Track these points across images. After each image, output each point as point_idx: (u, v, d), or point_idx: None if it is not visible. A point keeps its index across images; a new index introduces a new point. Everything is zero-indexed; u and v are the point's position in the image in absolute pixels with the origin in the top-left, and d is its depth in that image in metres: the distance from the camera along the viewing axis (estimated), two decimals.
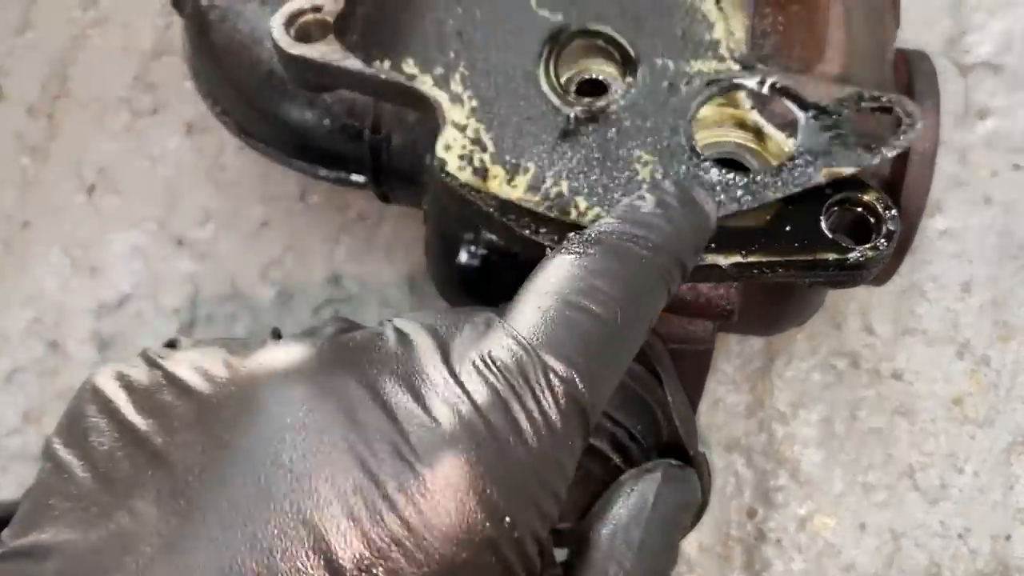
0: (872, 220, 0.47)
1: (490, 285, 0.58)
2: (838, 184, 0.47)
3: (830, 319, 0.79)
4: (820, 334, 0.79)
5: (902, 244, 0.65)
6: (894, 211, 0.47)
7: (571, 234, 0.42)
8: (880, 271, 0.49)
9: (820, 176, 0.47)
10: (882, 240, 0.47)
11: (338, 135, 0.66)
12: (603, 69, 0.51)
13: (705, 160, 0.47)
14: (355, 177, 0.69)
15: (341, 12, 0.48)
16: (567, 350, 0.37)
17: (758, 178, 0.47)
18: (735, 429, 0.79)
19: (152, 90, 0.93)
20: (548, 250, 0.43)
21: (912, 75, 0.64)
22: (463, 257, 0.57)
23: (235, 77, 0.68)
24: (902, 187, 0.63)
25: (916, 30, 0.85)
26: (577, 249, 0.41)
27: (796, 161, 0.47)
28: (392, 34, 0.49)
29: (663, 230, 0.42)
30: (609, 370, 0.39)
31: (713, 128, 0.50)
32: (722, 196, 0.46)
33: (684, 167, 0.47)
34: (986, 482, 0.76)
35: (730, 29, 0.51)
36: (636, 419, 0.56)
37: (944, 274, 0.80)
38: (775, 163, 0.49)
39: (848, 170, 0.47)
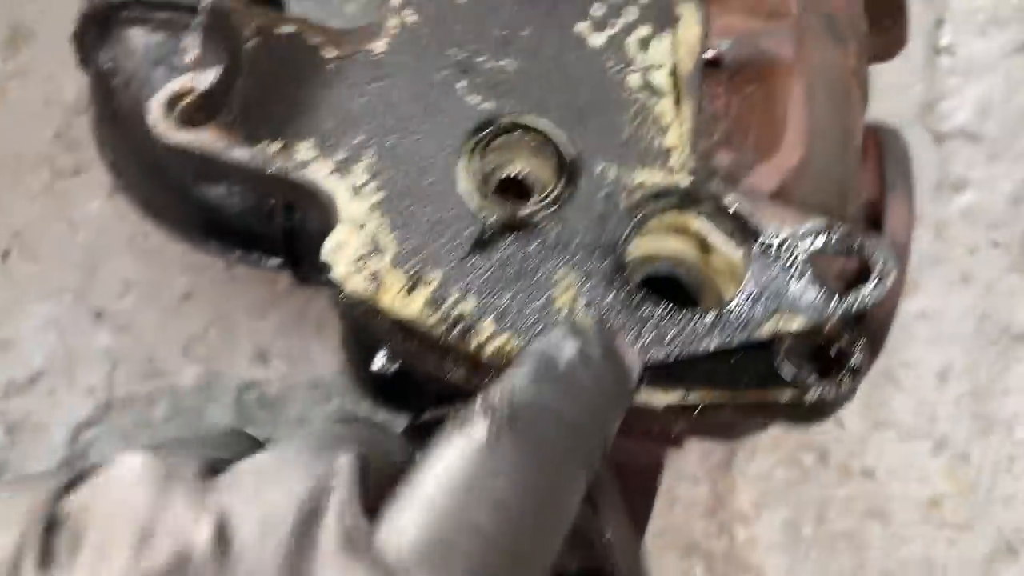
0: (835, 353, 0.41)
1: (410, 393, 0.52)
2: None
3: None
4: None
5: (874, 344, 0.59)
6: (862, 342, 0.41)
7: (478, 402, 0.34)
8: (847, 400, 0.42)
9: (763, 331, 0.41)
10: (846, 378, 0.40)
11: (249, 216, 0.60)
12: (533, 168, 0.45)
13: (639, 292, 0.41)
14: (271, 260, 0.62)
15: (211, 87, 0.41)
16: None
17: (692, 324, 0.40)
18: (693, 530, 0.72)
19: (74, 148, 0.86)
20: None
21: (883, 156, 0.59)
22: (378, 364, 0.51)
23: (138, 149, 0.62)
24: None
25: (888, 95, 0.79)
26: (481, 434, 0.33)
27: (740, 303, 0.41)
28: (285, 112, 0.42)
29: (585, 396, 0.35)
30: None
31: (648, 235, 0.43)
32: (648, 338, 0.40)
33: (611, 297, 0.41)
34: None
35: (685, 136, 0.44)
36: (572, 555, 0.49)
37: (919, 361, 0.74)
38: (719, 284, 0.43)
39: (798, 325, 0.41)
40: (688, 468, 0.73)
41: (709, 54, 0.50)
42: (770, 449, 0.73)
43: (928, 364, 0.74)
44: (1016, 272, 0.75)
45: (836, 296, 0.40)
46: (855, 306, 0.40)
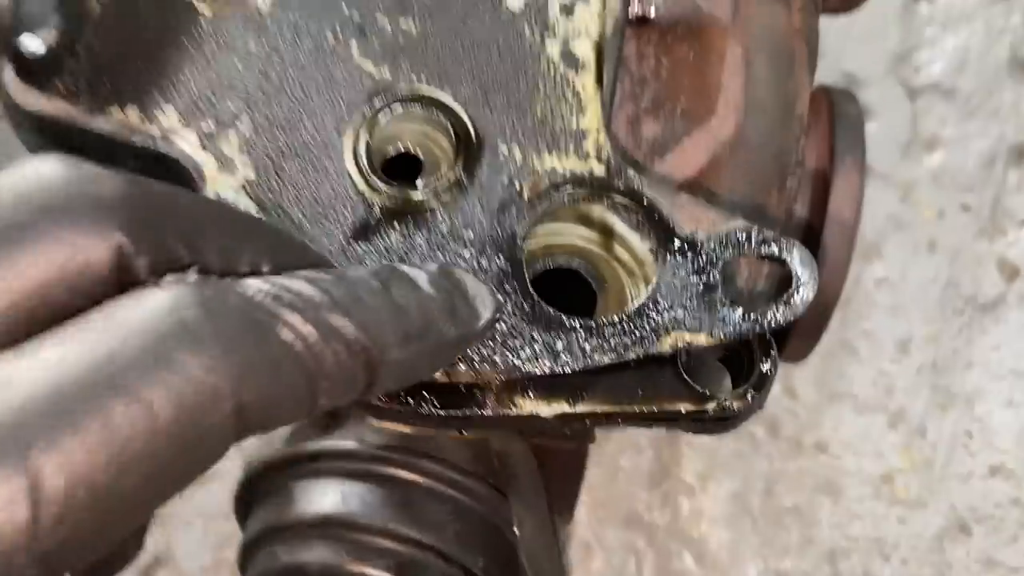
0: (744, 357, 0.38)
1: None
2: None
3: None
4: None
5: (816, 327, 0.55)
6: (773, 351, 0.37)
7: (193, 278, 0.27)
8: (759, 409, 0.38)
9: (663, 346, 0.37)
10: (751, 391, 0.37)
11: None
12: (430, 146, 0.40)
13: (534, 297, 0.36)
14: None
15: (53, 45, 0.37)
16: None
17: (587, 335, 0.36)
18: (636, 501, 0.70)
19: None
20: None
21: (834, 122, 0.54)
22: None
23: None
24: (816, 257, 0.53)
25: (860, 44, 0.75)
26: (170, 301, 0.26)
27: (641, 310, 0.37)
28: (146, 74, 0.38)
29: (365, 321, 0.27)
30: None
31: (547, 222, 0.39)
32: (539, 349, 0.36)
33: (503, 300, 0.37)
34: (914, 572, 0.67)
35: (603, 117, 0.39)
36: (479, 552, 0.46)
37: (879, 330, 0.71)
38: (622, 280, 0.39)
39: (702, 341, 0.37)
40: (632, 436, 0.70)
41: (638, 9, 0.46)
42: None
43: (888, 334, 0.70)
44: (985, 239, 0.71)
45: (747, 313, 0.36)
46: (768, 324, 0.36)
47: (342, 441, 0.48)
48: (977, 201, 0.72)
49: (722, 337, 0.36)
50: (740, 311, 0.36)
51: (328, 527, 0.46)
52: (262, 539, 0.49)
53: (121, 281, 0.28)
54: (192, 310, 0.26)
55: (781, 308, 0.36)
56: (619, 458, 0.70)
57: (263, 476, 0.51)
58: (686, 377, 0.37)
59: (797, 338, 0.56)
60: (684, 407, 0.37)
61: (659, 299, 0.36)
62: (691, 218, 0.38)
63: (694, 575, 0.68)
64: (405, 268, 0.31)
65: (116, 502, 0.24)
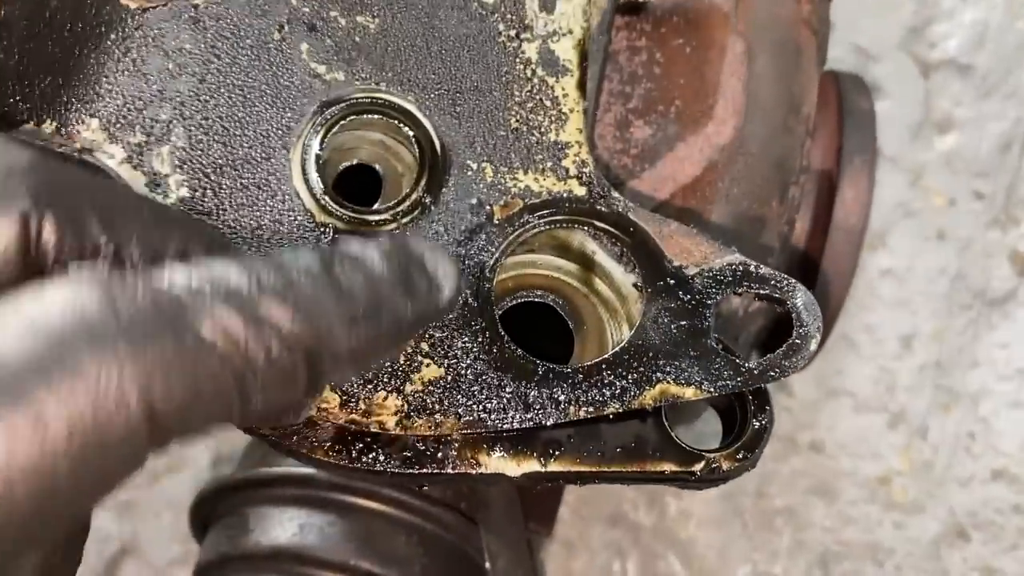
0: (736, 408, 0.34)
1: None
2: None
3: None
4: None
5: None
6: (770, 407, 0.33)
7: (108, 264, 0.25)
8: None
9: (645, 399, 0.32)
10: (741, 451, 0.33)
11: None
12: (388, 160, 0.36)
13: (501, 340, 0.32)
14: None
15: None
16: None
17: (561, 385, 0.31)
18: (621, 500, 0.67)
19: None
20: None
21: (842, 116, 0.50)
22: None
23: None
24: (819, 267, 0.49)
25: (874, 14, 0.70)
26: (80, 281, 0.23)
27: (624, 358, 0.32)
28: (61, 81, 0.33)
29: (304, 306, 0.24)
30: None
31: (519, 252, 0.34)
32: (507, 399, 0.32)
33: (466, 341, 0.32)
34: None
35: (586, 129, 0.34)
36: None
37: (882, 325, 0.67)
38: (601, 316, 0.35)
39: (690, 394, 0.32)
40: None
41: None
42: (709, 416, 0.66)
43: (891, 329, 0.67)
44: (997, 229, 0.67)
45: (741, 365, 0.32)
46: (763, 379, 0.32)
47: (299, 466, 0.44)
48: (991, 188, 0.67)
49: (713, 392, 0.32)
50: (736, 362, 0.32)
51: (282, 560, 0.43)
52: (214, 568, 0.46)
53: (27, 262, 0.25)
54: (96, 305, 0.22)
55: (781, 361, 0.32)
56: None
57: (218, 497, 0.47)
58: (673, 435, 0.33)
59: None
60: (669, 468, 0.33)
61: (642, 344, 0.32)
62: (681, 250, 0.34)
63: None
64: (352, 245, 0.27)
65: (6, 525, 0.21)
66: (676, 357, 0.32)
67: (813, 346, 0.32)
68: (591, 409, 0.32)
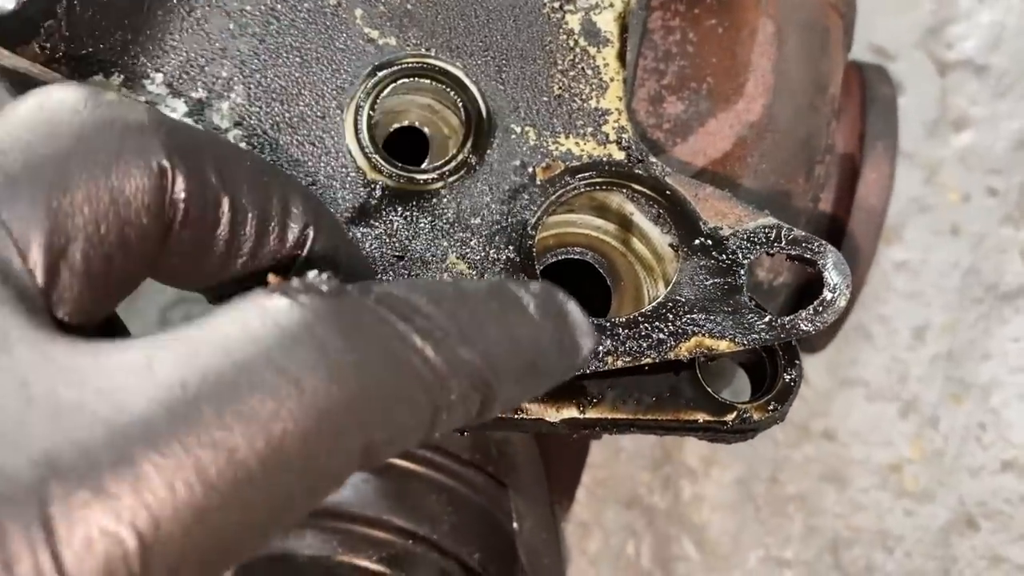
0: (766, 364, 0.35)
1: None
2: None
3: None
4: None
5: (836, 320, 0.53)
6: (799, 361, 0.35)
7: (311, 277, 0.24)
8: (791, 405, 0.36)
9: (681, 351, 0.34)
10: (773, 403, 0.34)
11: None
12: (436, 123, 0.37)
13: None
14: None
15: (25, 4, 0.33)
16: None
17: (600, 335, 0.33)
18: (637, 483, 0.68)
19: None
20: None
21: (865, 103, 0.51)
22: None
23: None
24: (840, 246, 0.51)
25: (891, 13, 0.71)
26: (307, 301, 0.23)
27: (658, 311, 0.34)
28: (129, 38, 0.34)
29: (480, 336, 0.25)
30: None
31: (560, 212, 0.36)
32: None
33: None
34: (918, 566, 0.65)
35: (625, 97, 0.36)
36: (475, 545, 0.44)
37: (895, 316, 0.68)
38: (638, 275, 0.37)
39: (723, 348, 0.34)
40: None
41: None
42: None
43: (904, 320, 0.68)
44: (1010, 225, 0.68)
45: (774, 320, 0.33)
46: (793, 333, 0.33)
47: None
48: (1005, 185, 0.69)
49: (746, 344, 0.33)
50: (767, 317, 0.34)
51: (318, 516, 0.44)
52: None
53: (161, 215, 0.26)
54: (329, 330, 0.23)
55: (812, 316, 0.34)
56: (621, 438, 0.68)
57: None
58: (706, 386, 0.34)
59: None
60: (702, 417, 0.34)
61: (679, 299, 0.34)
62: (716, 212, 0.35)
63: (693, 560, 0.66)
64: (512, 287, 0.27)
65: (224, 531, 0.21)
66: (711, 312, 0.34)
67: (842, 303, 0.34)
68: (628, 359, 0.33)
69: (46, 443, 0.20)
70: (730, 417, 0.34)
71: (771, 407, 0.35)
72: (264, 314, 0.23)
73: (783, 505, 0.67)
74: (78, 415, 0.21)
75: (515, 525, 0.44)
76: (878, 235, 0.49)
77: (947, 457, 0.66)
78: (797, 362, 0.35)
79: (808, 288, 0.45)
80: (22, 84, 0.39)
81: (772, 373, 0.35)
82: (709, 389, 0.34)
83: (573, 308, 0.28)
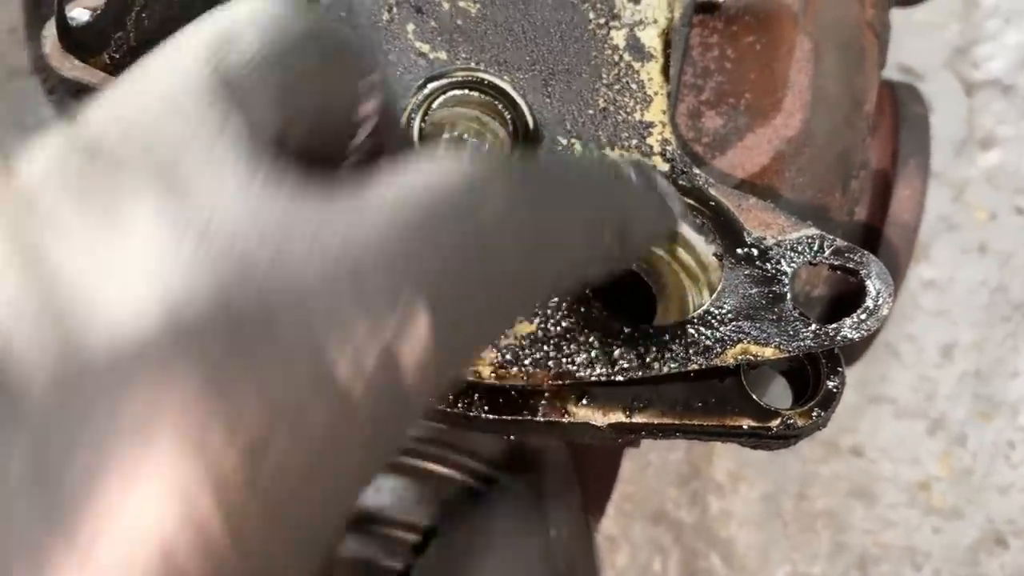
0: (809, 372, 0.36)
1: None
2: None
3: None
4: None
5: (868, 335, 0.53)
6: (842, 368, 0.35)
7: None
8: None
9: (727, 357, 0.35)
10: (816, 409, 0.35)
11: None
12: (484, 134, 0.38)
13: (589, 300, 0.34)
14: None
15: (100, 16, 0.35)
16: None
17: (646, 344, 0.34)
18: (664, 498, 0.68)
19: None
20: None
21: (898, 121, 0.52)
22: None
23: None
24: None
25: (918, 35, 0.72)
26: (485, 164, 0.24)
27: (704, 319, 0.35)
28: None
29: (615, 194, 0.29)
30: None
31: None
32: (596, 355, 0.34)
33: (556, 303, 0.35)
34: None
35: (669, 111, 0.37)
36: (510, 550, 0.45)
37: (924, 334, 0.69)
38: (683, 284, 0.37)
39: (768, 355, 0.35)
40: None
41: None
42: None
43: (932, 338, 0.68)
44: None
45: (819, 328, 0.34)
46: (837, 340, 0.34)
47: None
48: None
49: (791, 351, 0.34)
50: (812, 325, 0.34)
51: (360, 520, 0.45)
52: None
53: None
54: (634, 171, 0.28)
55: (856, 324, 0.34)
56: (649, 453, 0.69)
57: None
58: (750, 392, 0.35)
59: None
60: (747, 423, 0.35)
61: (724, 307, 0.34)
62: (759, 223, 0.36)
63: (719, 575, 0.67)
64: (619, 163, 0.31)
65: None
66: (756, 320, 0.34)
67: (886, 311, 0.34)
68: (675, 365, 0.34)
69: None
70: (774, 423, 0.35)
71: (815, 414, 0.35)
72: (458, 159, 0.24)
73: (811, 521, 0.67)
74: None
75: (552, 532, 0.45)
76: (911, 251, 0.50)
77: (975, 475, 0.67)
78: (840, 369, 0.35)
79: (842, 301, 0.45)
80: (79, 93, 0.40)
81: (815, 381, 0.36)
82: (754, 396, 0.35)
83: (660, 178, 0.31)
